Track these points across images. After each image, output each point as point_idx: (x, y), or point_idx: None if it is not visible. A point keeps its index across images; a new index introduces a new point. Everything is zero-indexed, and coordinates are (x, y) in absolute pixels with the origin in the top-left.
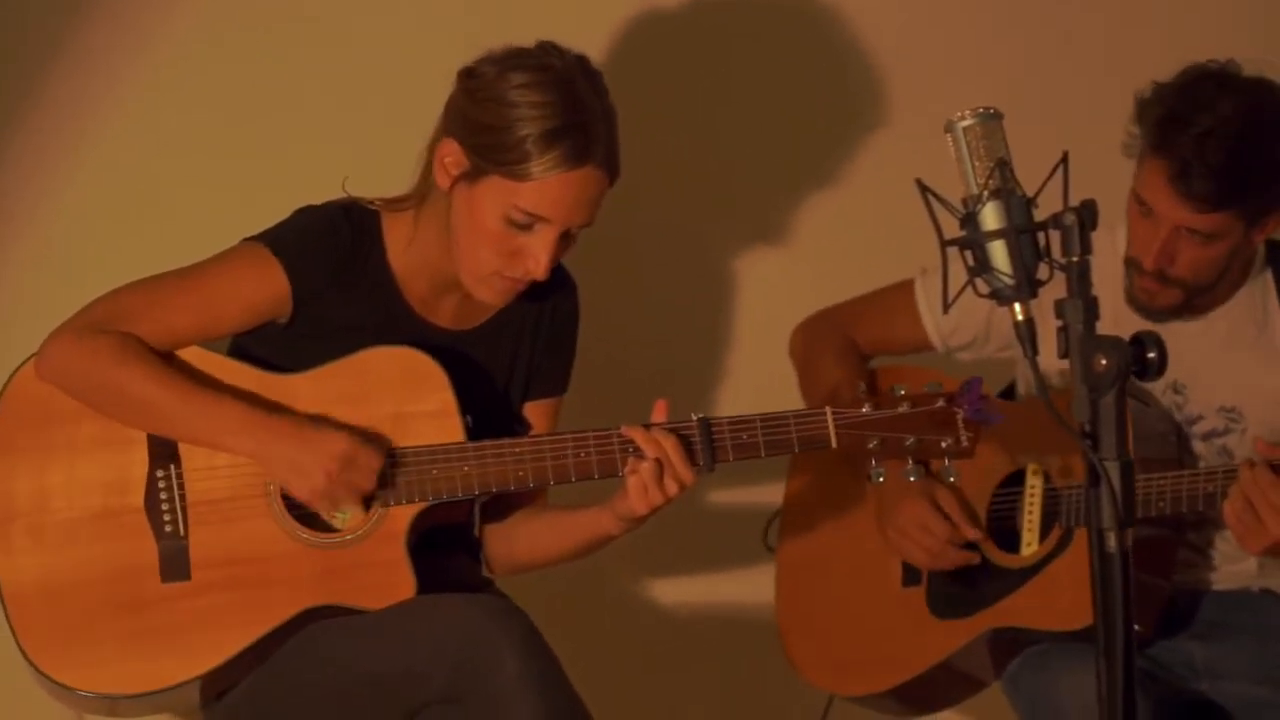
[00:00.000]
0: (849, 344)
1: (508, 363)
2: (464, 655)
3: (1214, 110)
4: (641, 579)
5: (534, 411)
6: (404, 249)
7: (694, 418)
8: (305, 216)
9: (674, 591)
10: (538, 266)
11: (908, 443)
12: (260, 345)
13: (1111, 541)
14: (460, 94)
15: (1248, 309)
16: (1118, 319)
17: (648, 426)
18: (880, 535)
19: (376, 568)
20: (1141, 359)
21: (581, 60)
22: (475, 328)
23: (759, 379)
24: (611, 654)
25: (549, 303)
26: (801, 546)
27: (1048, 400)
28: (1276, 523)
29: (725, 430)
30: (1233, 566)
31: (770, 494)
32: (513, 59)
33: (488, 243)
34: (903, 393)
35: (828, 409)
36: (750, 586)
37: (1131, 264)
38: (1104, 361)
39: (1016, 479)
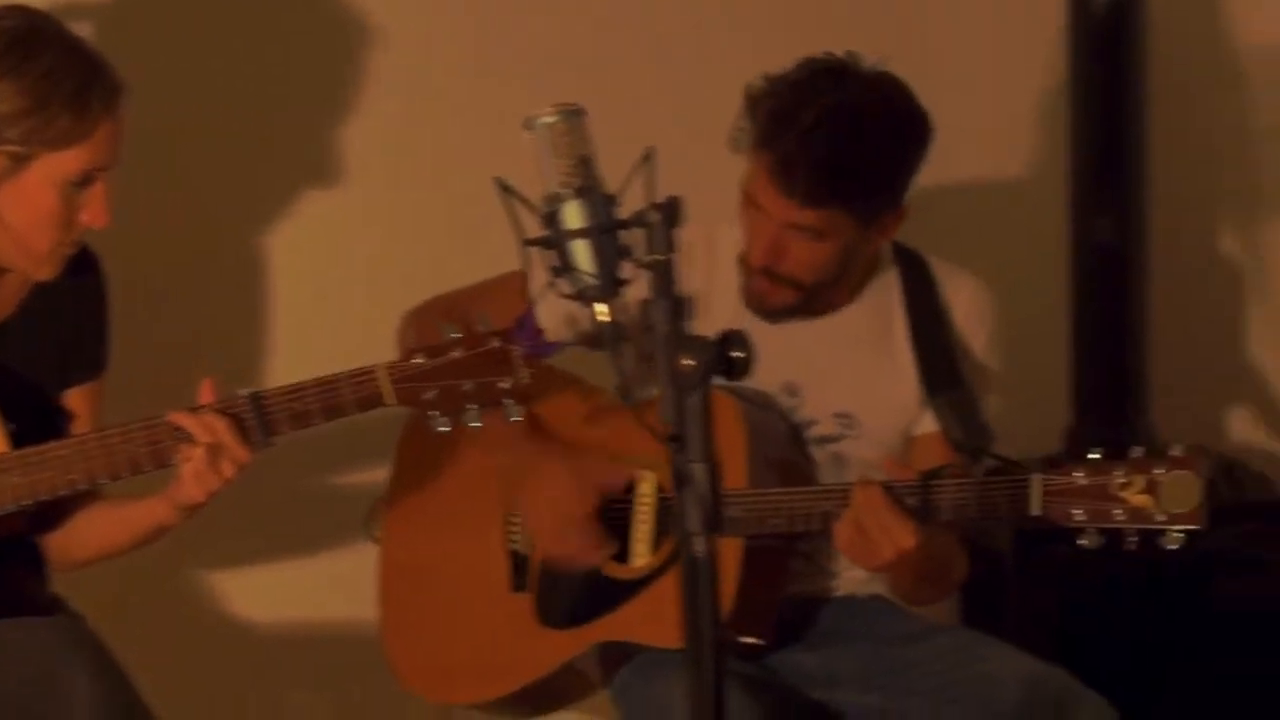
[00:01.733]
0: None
1: (40, 352)
2: (34, 688)
3: (822, 105)
4: (235, 579)
5: (77, 399)
6: None
7: (242, 393)
8: None
9: (273, 592)
10: (103, 214)
11: (466, 388)
12: None
13: (699, 546)
14: None
15: (870, 312)
16: (736, 320)
17: (196, 410)
18: (499, 498)
19: None
20: (727, 359)
21: (27, 11)
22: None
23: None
24: (198, 666)
25: (72, 282)
26: (406, 540)
27: (630, 404)
28: (888, 544)
29: (277, 402)
30: (846, 574)
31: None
32: None
33: (51, 222)
34: (455, 335)
35: (380, 366)
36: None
37: (743, 263)
38: (689, 361)
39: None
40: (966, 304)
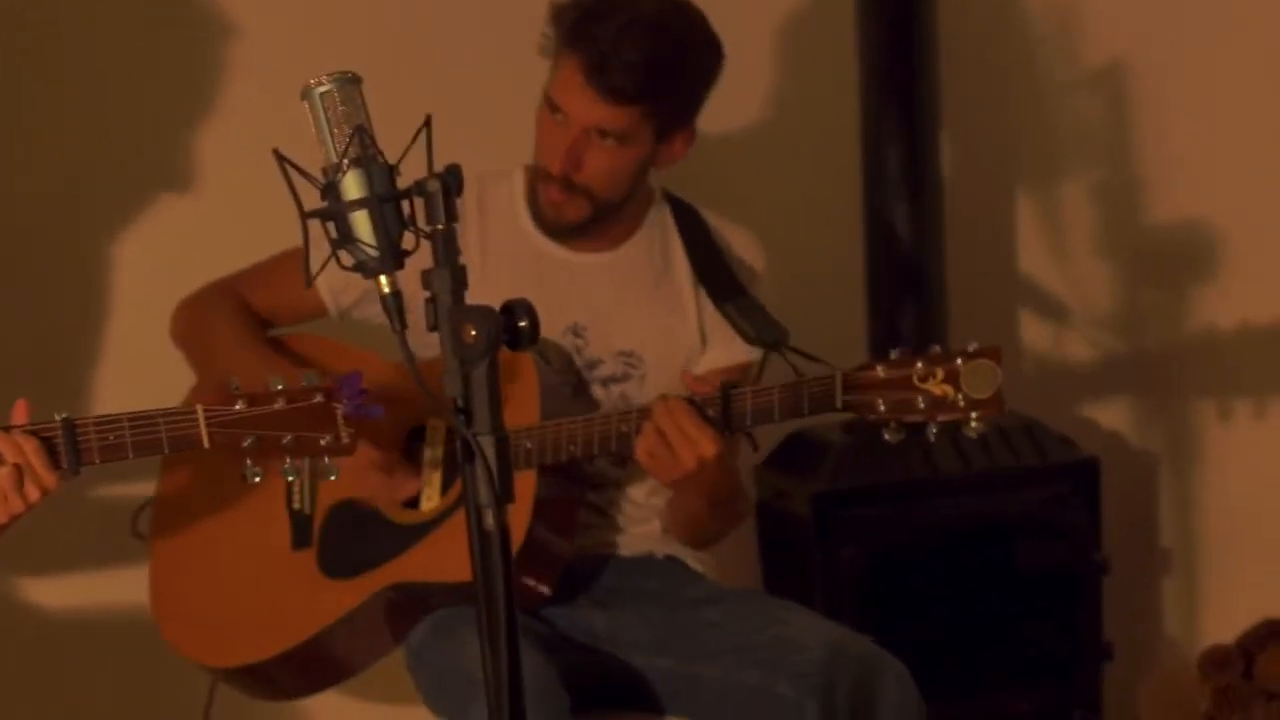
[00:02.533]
0: (242, 307)
1: None
2: None
3: (632, 8)
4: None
5: None
6: None
7: (57, 418)
8: None
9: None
10: None
11: (285, 440)
12: None
13: (490, 519)
14: None
15: (648, 249)
16: (517, 259)
17: (7, 429)
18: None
19: None
20: (513, 328)
21: None
22: None
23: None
24: None
25: None
26: (177, 524)
27: (416, 375)
28: (689, 452)
29: (91, 431)
30: (637, 529)
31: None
32: None
33: None
34: (280, 387)
35: (199, 407)
36: (122, 581)
37: (539, 173)
38: (474, 332)
39: (421, 434)
40: (742, 242)
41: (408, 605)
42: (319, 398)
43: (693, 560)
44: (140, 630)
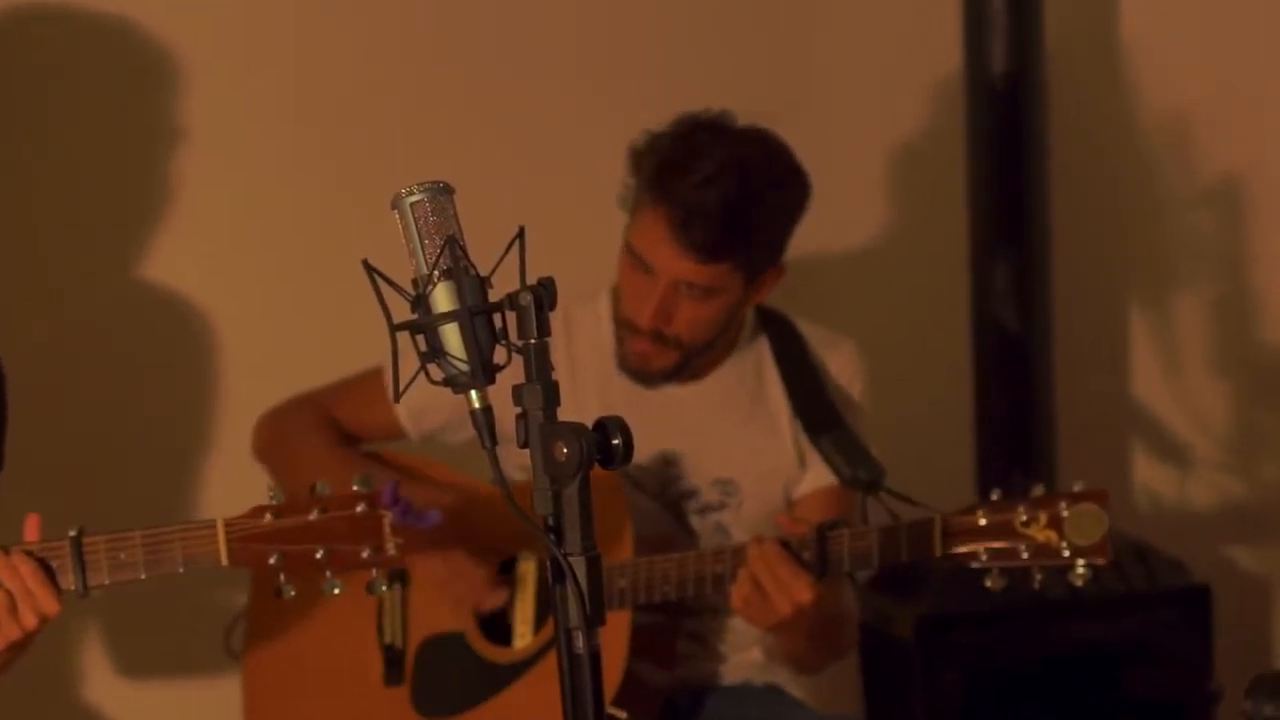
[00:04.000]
0: (329, 420)
1: None
2: None
3: (713, 156)
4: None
5: None
6: None
7: (70, 534)
8: None
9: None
10: None
11: (318, 555)
12: None
13: (579, 641)
14: None
15: (741, 375)
16: (609, 388)
17: (7, 549)
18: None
19: None
20: (606, 446)
21: None
22: None
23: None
24: None
25: None
26: (270, 649)
27: (508, 494)
28: (784, 600)
29: (101, 549)
30: (737, 657)
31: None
32: None
33: None
34: (327, 493)
35: (219, 520)
36: (218, 700)
37: (625, 325)
38: (565, 450)
39: (510, 566)
40: (840, 360)
41: None
42: (364, 506)
43: (793, 687)
44: None
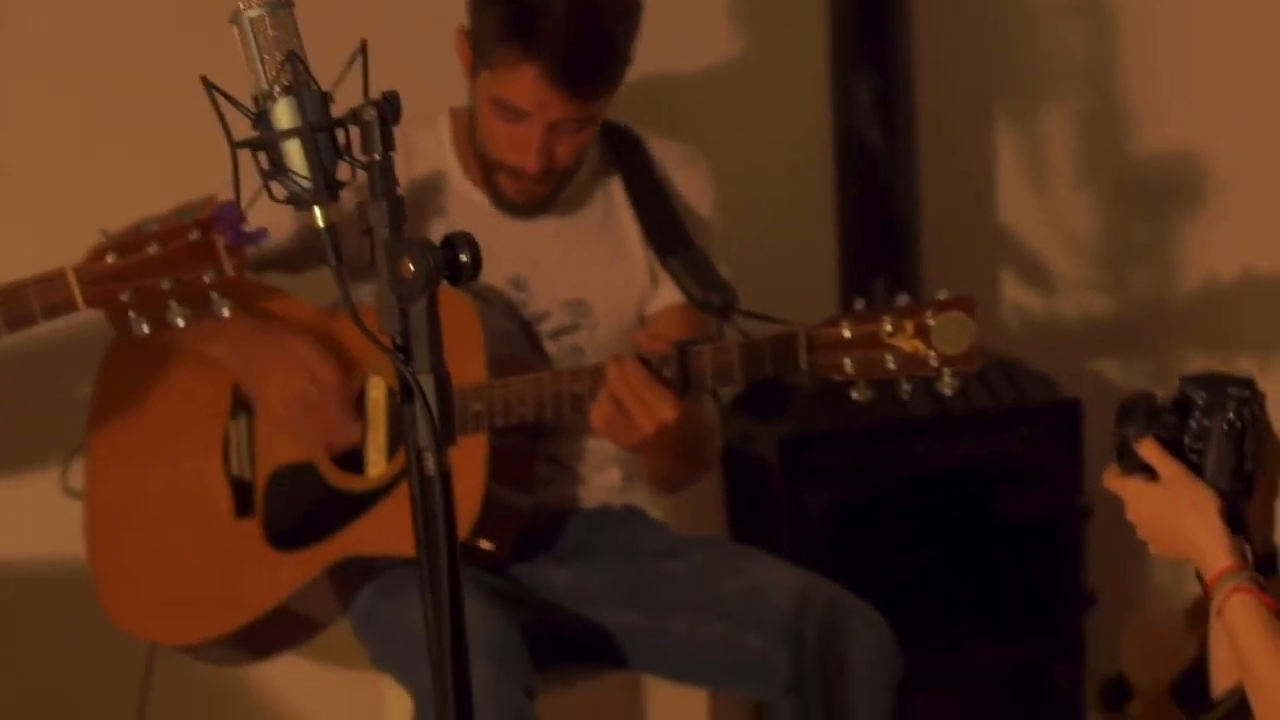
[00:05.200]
0: None
1: None
2: None
3: None
4: None
5: None
6: None
7: None
8: None
9: None
10: None
11: (165, 285)
12: None
13: (430, 462)
14: None
15: (589, 195)
16: (454, 212)
17: None
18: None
19: None
20: (453, 262)
21: None
22: None
23: None
24: None
25: None
26: (112, 482)
27: (354, 314)
28: (646, 419)
29: None
30: (596, 479)
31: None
32: None
33: None
34: (155, 228)
35: (68, 268)
36: (55, 537)
37: (502, 169)
38: (412, 267)
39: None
40: (688, 176)
41: (356, 576)
42: (196, 233)
43: (653, 509)
44: (77, 586)
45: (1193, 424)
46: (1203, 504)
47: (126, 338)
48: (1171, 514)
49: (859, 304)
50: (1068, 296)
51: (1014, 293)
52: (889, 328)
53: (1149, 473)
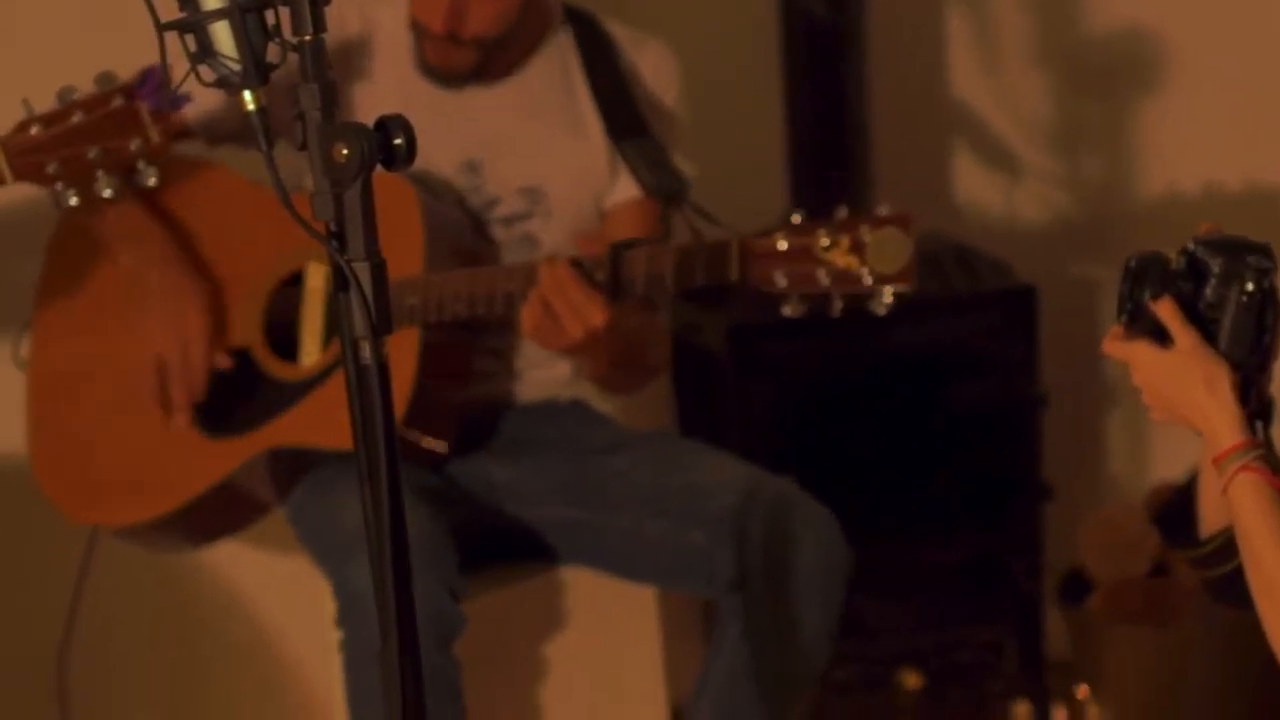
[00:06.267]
0: None
1: None
2: None
3: None
4: None
5: None
6: None
7: None
8: None
9: None
10: None
11: (91, 155)
12: None
13: (367, 351)
14: None
15: (548, 77)
16: (410, 92)
17: None
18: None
19: None
20: (387, 146)
21: None
22: None
23: None
24: None
25: None
26: (54, 360)
27: (285, 199)
28: (575, 323)
29: None
30: (540, 373)
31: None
32: None
33: None
34: (76, 97)
35: None
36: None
37: (419, 29)
38: (345, 151)
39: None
40: (652, 63)
41: (290, 467)
42: (119, 100)
43: (600, 402)
44: (16, 469)
45: (1207, 291)
46: (1217, 377)
47: (71, 215)
48: (1184, 384)
49: (796, 216)
50: (1022, 181)
51: (967, 176)
52: (825, 242)
53: (1158, 337)
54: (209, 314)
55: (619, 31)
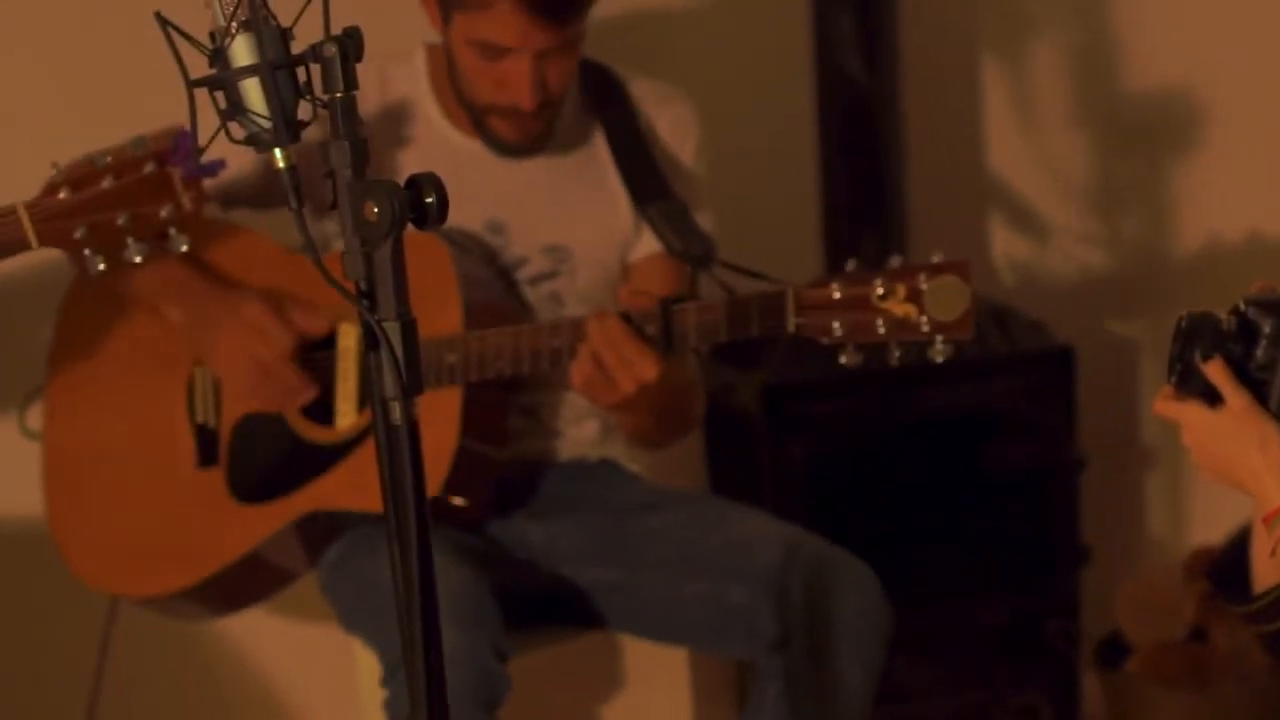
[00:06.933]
0: None
1: None
2: None
3: None
4: None
5: None
6: None
7: None
8: None
9: None
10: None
11: (121, 221)
12: None
13: (396, 412)
14: None
15: (567, 136)
16: (430, 154)
17: None
18: (179, 361)
19: None
20: (419, 204)
21: None
22: None
23: None
24: None
25: None
26: (71, 428)
27: (316, 259)
28: (627, 378)
29: None
30: (571, 432)
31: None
32: None
33: None
34: (108, 161)
35: (19, 204)
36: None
37: (493, 111)
38: (375, 209)
39: (331, 343)
40: (671, 119)
41: (324, 531)
42: (151, 166)
43: (630, 462)
44: (35, 537)
45: (1259, 352)
46: (1270, 438)
47: (85, 278)
48: (1236, 446)
49: (850, 264)
50: (1059, 240)
51: (1003, 239)
52: (880, 291)
53: (1208, 398)
54: (269, 303)
55: (644, 86)
